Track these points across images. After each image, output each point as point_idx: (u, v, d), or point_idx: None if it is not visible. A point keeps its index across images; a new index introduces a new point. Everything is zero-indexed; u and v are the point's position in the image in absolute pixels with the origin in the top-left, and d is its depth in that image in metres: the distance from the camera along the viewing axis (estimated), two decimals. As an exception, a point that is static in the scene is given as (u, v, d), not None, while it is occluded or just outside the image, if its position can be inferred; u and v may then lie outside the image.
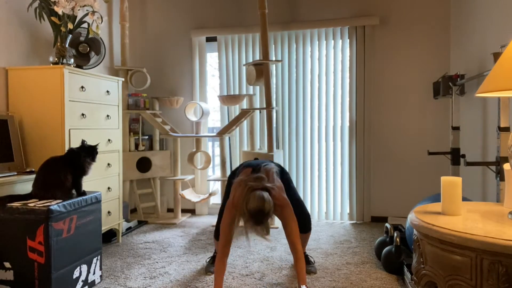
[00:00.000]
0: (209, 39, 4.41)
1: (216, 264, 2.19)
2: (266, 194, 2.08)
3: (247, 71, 3.87)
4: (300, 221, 2.59)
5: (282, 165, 3.85)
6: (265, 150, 4.03)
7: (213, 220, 4.15)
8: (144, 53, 4.51)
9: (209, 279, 2.56)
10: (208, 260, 2.78)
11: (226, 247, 2.20)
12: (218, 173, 5.00)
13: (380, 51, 3.99)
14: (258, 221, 2.06)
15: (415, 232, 1.56)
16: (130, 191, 4.35)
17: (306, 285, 2.15)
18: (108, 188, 3.16)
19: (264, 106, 4.02)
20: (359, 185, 4.04)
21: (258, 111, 4.14)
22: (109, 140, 3.17)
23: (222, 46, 4.29)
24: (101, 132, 3.07)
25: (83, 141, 2.47)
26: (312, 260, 2.77)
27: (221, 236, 2.21)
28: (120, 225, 3.32)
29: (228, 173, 4.06)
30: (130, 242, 3.37)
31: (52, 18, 2.74)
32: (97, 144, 2.51)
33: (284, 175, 2.60)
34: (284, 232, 2.25)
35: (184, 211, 4.51)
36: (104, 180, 3.11)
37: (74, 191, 2.39)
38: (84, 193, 2.40)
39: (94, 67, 3.35)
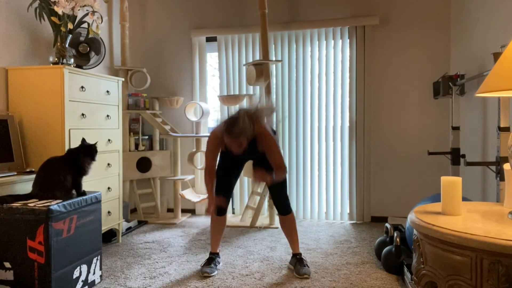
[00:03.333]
0: (209, 39, 4.41)
1: (205, 177, 2.55)
2: (243, 111, 2.35)
3: (247, 71, 3.87)
4: (279, 202, 2.69)
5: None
6: (265, 150, 4.03)
7: (213, 220, 4.15)
8: (144, 53, 4.51)
9: (208, 280, 2.56)
10: (203, 264, 2.74)
11: (212, 165, 2.55)
12: (218, 173, 4.99)
13: (380, 51, 3.99)
14: (231, 130, 2.28)
15: (415, 232, 1.56)
16: (130, 191, 4.35)
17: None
18: (108, 188, 3.16)
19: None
20: (359, 185, 4.04)
21: (258, 111, 4.14)
22: (109, 140, 3.17)
23: (222, 46, 4.29)
24: (101, 132, 3.07)
25: (83, 140, 2.47)
26: (306, 263, 2.66)
27: (206, 159, 2.54)
28: (120, 225, 3.32)
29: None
30: (130, 242, 3.37)
31: (52, 18, 2.74)
32: (95, 143, 2.50)
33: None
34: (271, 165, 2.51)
35: (184, 211, 4.51)
36: (104, 180, 3.11)
37: (74, 191, 2.39)
38: (84, 193, 2.40)
39: (94, 67, 3.35)
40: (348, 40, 4.01)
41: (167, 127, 4.22)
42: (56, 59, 2.79)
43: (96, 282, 2.49)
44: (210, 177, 2.58)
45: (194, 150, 4.19)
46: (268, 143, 2.46)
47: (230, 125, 2.30)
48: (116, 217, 3.26)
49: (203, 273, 2.61)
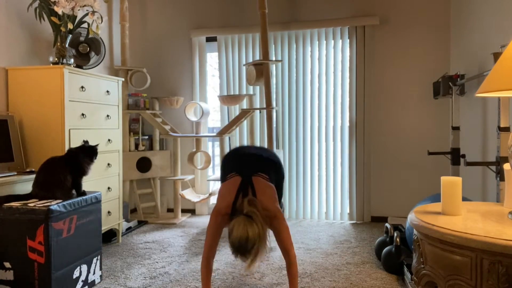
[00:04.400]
0: (209, 39, 4.41)
1: (202, 268, 2.13)
2: (250, 225, 1.90)
3: (247, 71, 3.87)
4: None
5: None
6: (265, 150, 4.03)
7: (213, 220, 4.15)
8: (144, 53, 4.51)
9: (209, 279, 2.56)
10: None
11: (211, 251, 2.13)
12: (218, 173, 5.00)
13: (380, 51, 3.99)
14: (241, 254, 1.90)
15: (415, 232, 1.56)
16: (130, 191, 4.35)
17: None
18: (108, 188, 3.16)
19: (264, 106, 4.02)
20: (359, 185, 4.04)
21: (258, 111, 4.14)
22: (109, 140, 3.17)
23: (222, 46, 4.29)
24: (101, 132, 3.07)
25: (86, 142, 2.47)
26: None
27: (207, 239, 2.14)
28: (120, 225, 3.32)
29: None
30: (130, 242, 3.37)
31: (52, 18, 2.74)
32: (96, 145, 2.51)
33: (279, 170, 2.43)
34: (275, 238, 2.15)
35: (184, 211, 4.51)
36: (104, 180, 3.11)
37: (74, 191, 2.39)
38: (84, 193, 2.40)
39: (94, 67, 3.35)
40: (348, 40, 4.01)
41: (167, 127, 4.22)
42: (56, 59, 2.79)
43: (96, 282, 2.49)
44: (207, 269, 2.11)
45: (194, 150, 4.19)
46: (277, 224, 2.10)
47: (241, 250, 1.87)
48: (116, 217, 3.26)
49: None
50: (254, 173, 2.21)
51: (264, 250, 1.97)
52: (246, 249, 1.88)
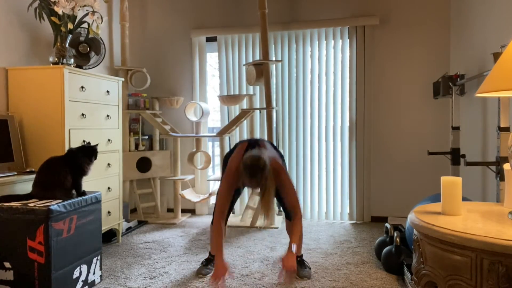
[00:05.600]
0: (209, 39, 4.41)
1: (212, 229, 2.23)
2: (261, 151, 2.19)
3: (247, 71, 3.87)
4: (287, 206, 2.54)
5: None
6: (265, 150, 4.03)
7: (213, 220, 4.15)
8: (144, 53, 4.51)
9: (206, 280, 2.56)
10: (202, 262, 2.73)
11: (223, 213, 2.27)
12: (218, 173, 5.00)
13: (380, 51, 3.99)
14: (252, 173, 2.10)
15: (415, 232, 1.56)
16: (130, 191, 4.35)
17: (297, 254, 2.33)
18: (108, 188, 3.16)
19: (264, 106, 4.02)
20: (359, 185, 4.04)
21: (258, 111, 4.15)
22: (109, 140, 3.17)
23: (222, 46, 4.29)
24: (101, 132, 3.07)
25: (89, 143, 2.48)
26: (308, 265, 2.65)
27: (218, 201, 2.27)
28: (120, 225, 3.32)
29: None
30: (130, 242, 3.37)
31: (52, 18, 2.74)
32: (96, 145, 2.51)
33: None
34: (282, 196, 2.34)
35: (184, 211, 4.51)
36: (104, 180, 3.11)
37: (74, 191, 2.39)
38: (84, 193, 2.40)
39: (94, 67, 3.35)
40: (348, 40, 4.01)
41: (167, 127, 4.22)
42: (56, 59, 2.79)
43: (96, 282, 2.49)
44: (218, 231, 2.21)
45: (194, 150, 4.19)
46: (283, 178, 2.28)
47: (253, 168, 2.10)
48: (116, 217, 3.26)
49: (198, 274, 2.62)
50: (259, 142, 2.46)
51: (273, 190, 2.20)
52: (258, 167, 2.09)
